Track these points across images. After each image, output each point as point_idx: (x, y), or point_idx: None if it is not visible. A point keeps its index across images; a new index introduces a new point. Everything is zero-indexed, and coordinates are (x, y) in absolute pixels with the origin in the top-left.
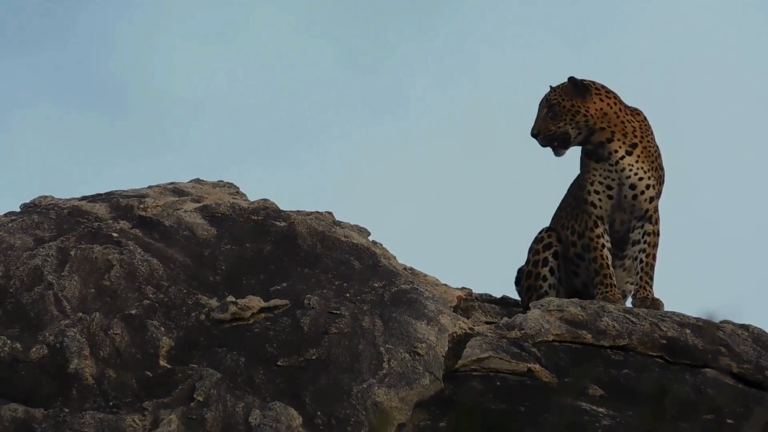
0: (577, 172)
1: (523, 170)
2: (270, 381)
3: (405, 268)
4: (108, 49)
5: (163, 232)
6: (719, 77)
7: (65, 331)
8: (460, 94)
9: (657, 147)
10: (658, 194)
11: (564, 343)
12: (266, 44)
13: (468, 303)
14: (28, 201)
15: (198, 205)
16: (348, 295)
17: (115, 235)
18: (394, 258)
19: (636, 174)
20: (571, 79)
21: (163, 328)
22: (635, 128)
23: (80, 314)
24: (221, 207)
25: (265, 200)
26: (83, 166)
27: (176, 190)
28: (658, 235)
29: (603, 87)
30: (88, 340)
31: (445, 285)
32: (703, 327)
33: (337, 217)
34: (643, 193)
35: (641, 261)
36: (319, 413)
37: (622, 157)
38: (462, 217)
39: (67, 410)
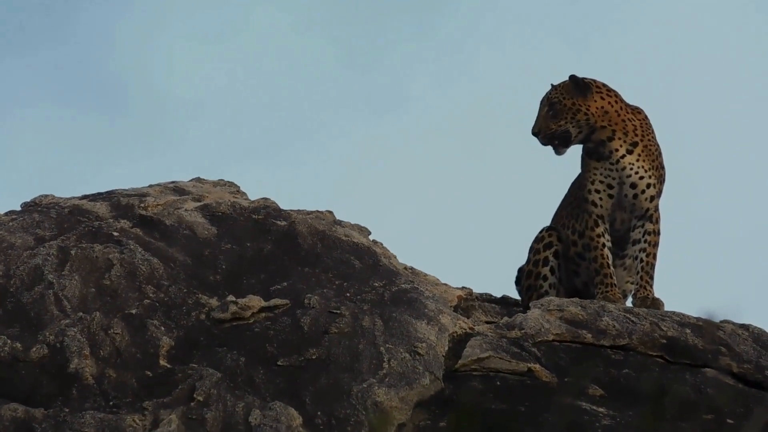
0: (578, 171)
1: (524, 169)
2: (270, 381)
3: (405, 268)
4: (108, 48)
5: (164, 232)
6: (719, 77)
7: (65, 331)
8: (460, 93)
9: (658, 146)
10: (659, 193)
11: (564, 343)
12: (266, 43)
13: (468, 302)
14: (28, 200)
15: (198, 204)
16: (348, 294)
17: (115, 234)
18: (395, 257)
19: (637, 173)
20: (572, 77)
21: (163, 328)
22: (636, 127)
23: (80, 314)
24: (222, 206)
25: (266, 199)
26: (83, 165)
27: (177, 189)
28: (659, 234)
29: (604, 85)
30: (88, 340)
31: (446, 284)
32: (704, 327)
33: (338, 217)
34: (643, 192)
35: (642, 260)
36: (319, 413)
37: (623, 156)
38: (462, 217)
39: (67, 410)
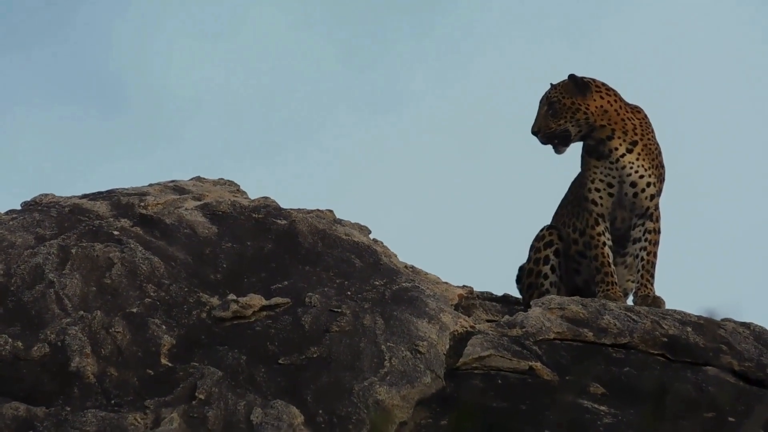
0: (578, 169)
1: (524, 168)
2: (271, 379)
3: (406, 266)
4: (106, 46)
5: (164, 230)
6: (719, 76)
7: (66, 330)
8: (459, 92)
9: (657, 145)
10: (659, 192)
11: (565, 341)
12: (265, 42)
13: (469, 301)
14: (28, 199)
15: (199, 203)
16: (349, 293)
17: (116, 233)
18: (395, 256)
19: (637, 172)
20: (572, 76)
21: (164, 327)
22: (636, 126)
23: (81, 312)
24: (222, 205)
25: (266, 198)
26: (81, 162)
27: (177, 187)
28: (659, 232)
29: (603, 84)
30: (89, 339)
31: (446, 283)
32: (705, 325)
33: (338, 215)
34: (643, 190)
35: (642, 259)
36: (320, 411)
37: (623, 155)
38: (463, 215)
39: (68, 409)
